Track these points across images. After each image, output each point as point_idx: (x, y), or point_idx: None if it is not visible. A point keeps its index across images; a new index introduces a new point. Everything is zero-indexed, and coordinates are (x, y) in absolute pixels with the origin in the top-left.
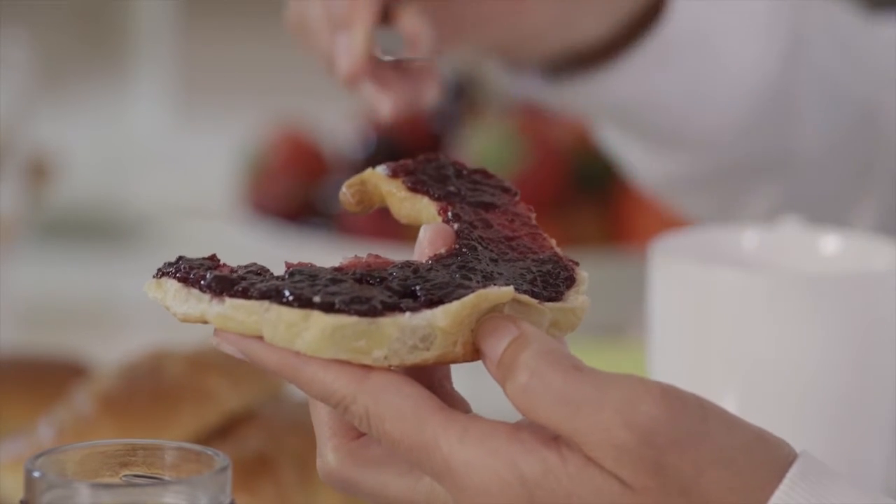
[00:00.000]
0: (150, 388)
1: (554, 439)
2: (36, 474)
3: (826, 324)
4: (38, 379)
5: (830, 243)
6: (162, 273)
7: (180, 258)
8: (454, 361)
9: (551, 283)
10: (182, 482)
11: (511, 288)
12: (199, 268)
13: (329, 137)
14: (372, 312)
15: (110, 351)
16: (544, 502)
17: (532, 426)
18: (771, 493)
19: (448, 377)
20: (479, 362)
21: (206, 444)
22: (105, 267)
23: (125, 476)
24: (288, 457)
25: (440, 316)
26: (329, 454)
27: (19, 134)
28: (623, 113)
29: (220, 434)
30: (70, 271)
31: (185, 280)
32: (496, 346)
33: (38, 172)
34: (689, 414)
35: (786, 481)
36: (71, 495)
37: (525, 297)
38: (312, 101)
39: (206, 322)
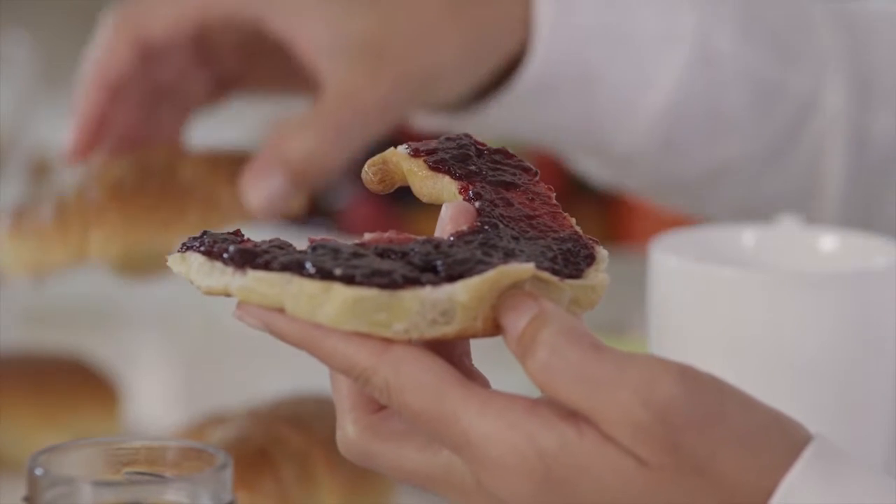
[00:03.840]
0: (161, 184)
1: (572, 415)
2: (38, 472)
3: (825, 321)
4: (41, 378)
5: (829, 242)
6: (186, 247)
7: (205, 233)
8: (474, 336)
9: (572, 260)
10: (183, 480)
11: (532, 265)
12: (222, 241)
13: None
14: (392, 285)
15: (113, 349)
16: (561, 476)
17: (551, 402)
18: (785, 473)
19: (468, 353)
20: (498, 339)
21: (203, 431)
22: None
23: (127, 473)
24: (288, 453)
25: (460, 291)
26: (349, 426)
27: (21, 132)
28: (532, 136)
29: (214, 422)
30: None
31: (208, 253)
32: (516, 322)
33: (40, 170)
34: (707, 394)
35: (800, 462)
36: (73, 493)
37: (545, 275)
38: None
39: (229, 295)
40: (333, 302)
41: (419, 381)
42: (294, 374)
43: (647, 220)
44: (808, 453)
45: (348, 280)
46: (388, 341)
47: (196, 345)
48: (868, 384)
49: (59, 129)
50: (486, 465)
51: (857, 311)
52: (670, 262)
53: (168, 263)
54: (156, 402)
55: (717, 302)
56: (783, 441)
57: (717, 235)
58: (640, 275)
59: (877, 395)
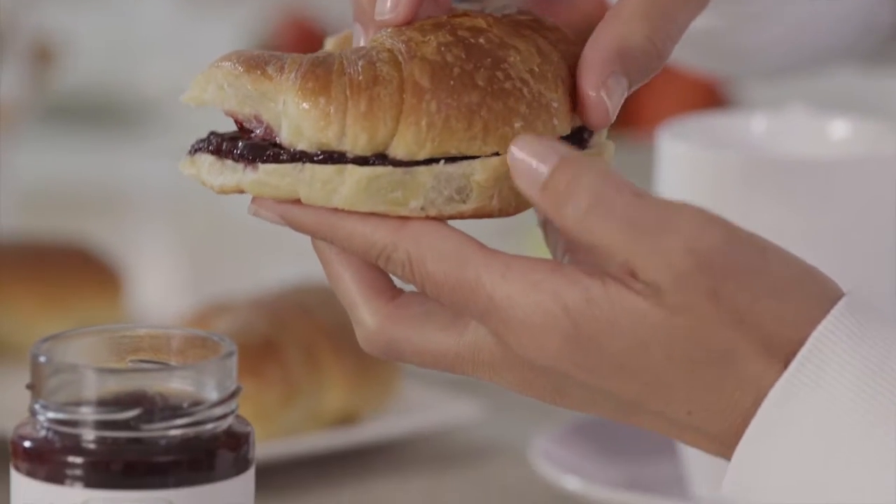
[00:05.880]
0: (490, 75)
1: (598, 271)
2: (41, 359)
3: (835, 207)
4: (43, 265)
5: (839, 128)
6: (195, 149)
7: (211, 133)
8: (490, 216)
9: (575, 131)
10: (188, 367)
11: None
12: (230, 139)
13: (335, 23)
14: (407, 162)
15: (115, 235)
16: (588, 331)
17: (574, 261)
18: (818, 323)
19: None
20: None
21: (208, 319)
22: (110, 151)
23: (131, 361)
24: (294, 341)
25: (478, 169)
26: (367, 319)
27: (22, 18)
28: None
29: (219, 310)
30: (75, 156)
31: (217, 152)
32: (538, 169)
33: (43, 56)
34: (749, 246)
35: (833, 312)
36: (77, 380)
37: None
38: None
39: (242, 192)
40: (348, 183)
41: (440, 250)
42: (299, 263)
43: (656, 107)
44: (840, 305)
45: (360, 161)
46: (405, 219)
47: (201, 232)
48: (877, 268)
49: (60, 15)
50: (512, 328)
51: (867, 196)
52: (679, 148)
53: (179, 168)
54: (160, 289)
55: (726, 188)
56: (818, 294)
57: (726, 122)
58: (647, 162)
59: (883, 278)
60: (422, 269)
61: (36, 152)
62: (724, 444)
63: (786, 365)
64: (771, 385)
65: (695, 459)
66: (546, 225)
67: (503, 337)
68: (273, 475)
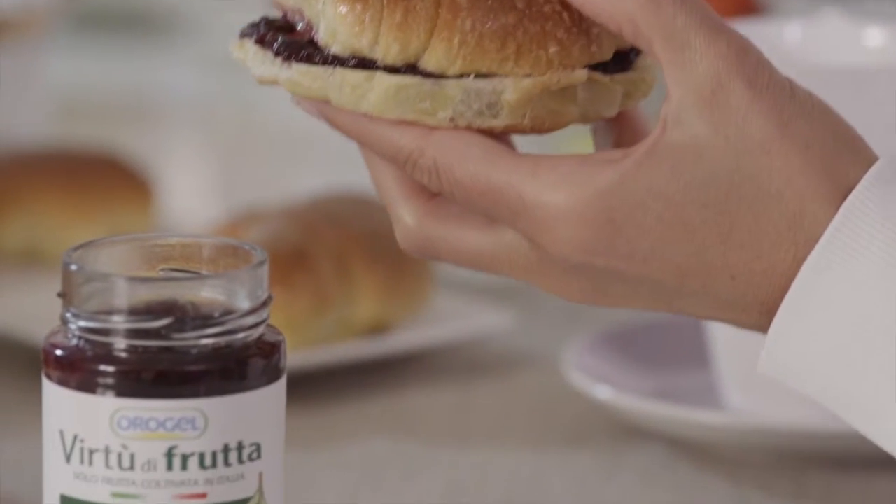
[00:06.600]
0: None
1: (625, 154)
2: (73, 268)
3: (871, 116)
4: (73, 173)
5: (875, 36)
6: (243, 34)
7: (263, 18)
8: (523, 133)
9: (619, 54)
10: (219, 276)
11: (585, 71)
12: (275, 30)
13: None
14: (437, 75)
15: (146, 144)
16: (622, 211)
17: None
18: (852, 186)
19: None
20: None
21: (239, 228)
22: (141, 59)
23: (162, 270)
24: (325, 250)
25: (509, 89)
26: (406, 216)
27: None
28: None
29: (250, 219)
30: (105, 64)
31: (261, 42)
32: None
33: None
34: (799, 89)
35: (871, 172)
36: (108, 288)
37: (598, 75)
38: None
39: (279, 84)
40: (376, 90)
41: (467, 155)
42: (329, 173)
43: None
44: (878, 166)
45: (390, 69)
46: (434, 127)
47: (232, 141)
48: None
49: None
50: (544, 227)
51: None
52: None
53: (228, 49)
54: (191, 198)
55: None
56: (858, 151)
57: (759, 30)
58: None
59: None
60: (449, 175)
61: (66, 60)
62: (763, 311)
63: (836, 210)
64: (815, 233)
65: (727, 369)
66: (596, 130)
67: (536, 238)
68: (304, 385)
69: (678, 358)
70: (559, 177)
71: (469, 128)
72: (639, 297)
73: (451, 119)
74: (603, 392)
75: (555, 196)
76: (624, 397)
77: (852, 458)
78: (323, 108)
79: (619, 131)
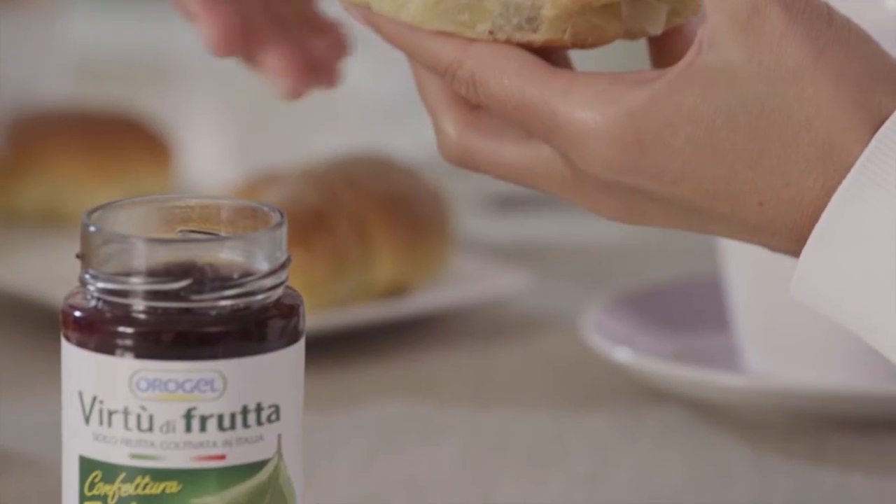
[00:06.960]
0: None
1: (657, 75)
2: (91, 229)
3: None
4: (92, 134)
5: None
6: None
7: None
8: (565, 48)
9: None
10: (238, 238)
11: None
12: None
13: None
14: None
15: (165, 105)
16: (653, 130)
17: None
18: (868, 136)
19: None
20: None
21: (257, 190)
22: (160, 20)
23: (181, 231)
24: (344, 212)
25: (548, 4)
26: (448, 127)
27: None
28: None
29: (268, 181)
30: (125, 24)
31: None
32: None
33: None
34: (837, 16)
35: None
36: (126, 250)
37: None
38: None
39: None
40: (416, 1)
41: (503, 68)
42: (349, 134)
43: None
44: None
45: None
46: (474, 40)
47: (251, 103)
48: None
49: None
50: (576, 143)
51: None
52: None
53: None
54: (209, 160)
55: None
56: (894, 81)
57: None
58: None
59: None
60: (485, 88)
61: (86, 20)
62: (792, 238)
63: (868, 140)
64: (845, 163)
65: (747, 331)
66: (651, 48)
67: (568, 154)
68: (322, 347)
69: (698, 320)
70: (592, 95)
71: (509, 42)
72: (670, 217)
73: (490, 32)
74: (622, 354)
75: (585, 114)
76: (643, 359)
77: (871, 419)
78: (368, 15)
79: (672, 49)
